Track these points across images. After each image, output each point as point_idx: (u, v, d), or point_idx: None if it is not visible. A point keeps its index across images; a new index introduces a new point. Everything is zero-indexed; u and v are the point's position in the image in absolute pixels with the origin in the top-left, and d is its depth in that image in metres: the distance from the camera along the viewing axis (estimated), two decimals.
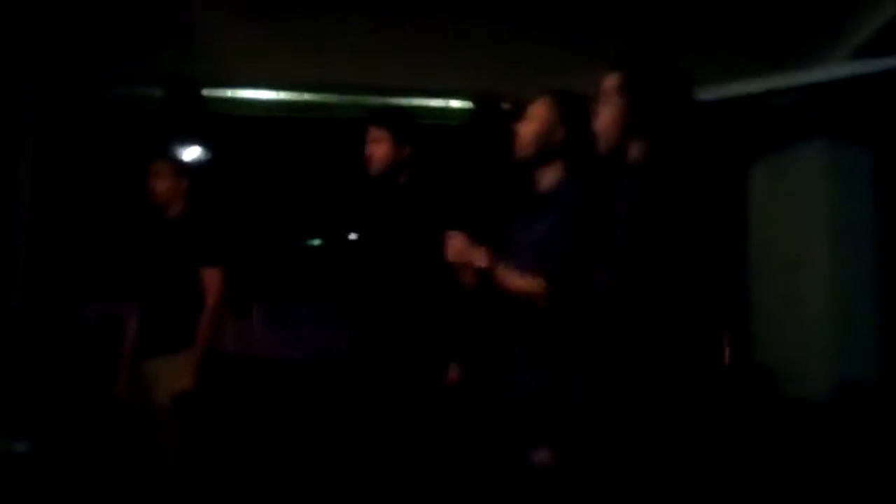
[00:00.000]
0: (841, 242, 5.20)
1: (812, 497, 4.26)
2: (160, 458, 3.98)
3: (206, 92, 5.18)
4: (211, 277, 4.02)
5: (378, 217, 3.93)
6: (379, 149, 3.87)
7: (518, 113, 3.59)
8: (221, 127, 5.10)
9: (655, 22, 4.39)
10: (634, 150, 2.46)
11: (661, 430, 2.25)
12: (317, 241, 5.92)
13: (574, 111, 3.12)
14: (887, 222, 5.16)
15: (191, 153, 5.23)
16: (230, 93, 5.22)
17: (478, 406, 4.00)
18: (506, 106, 5.49)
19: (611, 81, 2.49)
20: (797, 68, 4.93)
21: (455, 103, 5.50)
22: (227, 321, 4.12)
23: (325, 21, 4.29)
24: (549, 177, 3.14)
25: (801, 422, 4.78)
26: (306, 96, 5.33)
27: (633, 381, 2.26)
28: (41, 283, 5.01)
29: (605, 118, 2.50)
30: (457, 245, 3.03)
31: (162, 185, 4.15)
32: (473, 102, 5.46)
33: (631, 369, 2.27)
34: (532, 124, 3.16)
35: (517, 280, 2.96)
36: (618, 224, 2.37)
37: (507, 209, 3.43)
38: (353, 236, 4.12)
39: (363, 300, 3.86)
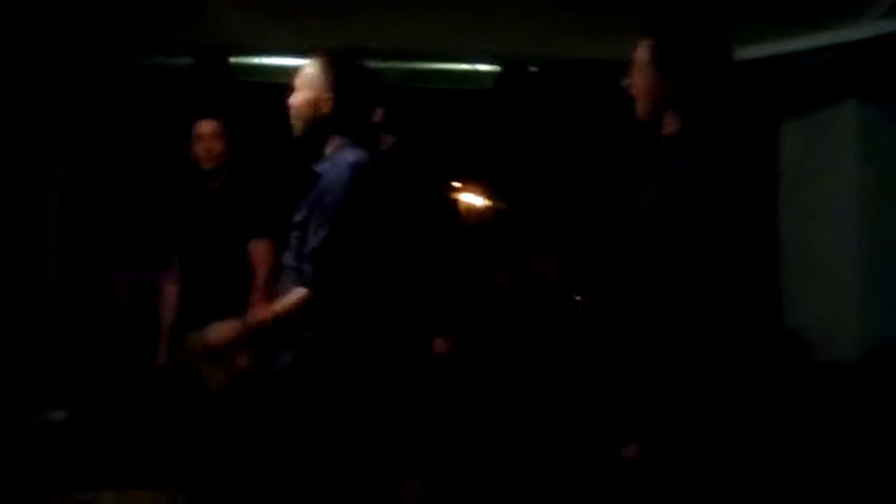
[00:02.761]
0: (871, 204, 5.14)
1: (842, 461, 4.26)
2: (201, 431, 3.92)
3: (233, 60, 5.17)
4: (260, 249, 3.85)
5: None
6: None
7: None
8: (249, 95, 5.09)
9: None
10: (673, 121, 2.39)
11: (731, 410, 2.24)
12: None
13: (345, 74, 2.83)
14: None
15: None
16: (257, 60, 5.22)
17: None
18: (533, 70, 5.47)
19: (642, 50, 2.42)
20: (830, 28, 4.86)
21: (483, 67, 5.47)
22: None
23: None
24: (327, 150, 2.86)
25: (832, 385, 4.77)
26: None
27: (705, 368, 2.22)
28: (74, 252, 5.05)
29: (639, 89, 2.43)
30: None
31: (214, 146, 3.95)
32: (501, 66, 5.44)
33: (702, 355, 2.23)
34: (298, 95, 2.84)
35: (282, 306, 2.79)
36: (669, 202, 2.29)
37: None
38: None
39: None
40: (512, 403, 4.29)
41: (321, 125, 2.81)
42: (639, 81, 2.40)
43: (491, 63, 5.42)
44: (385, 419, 2.94)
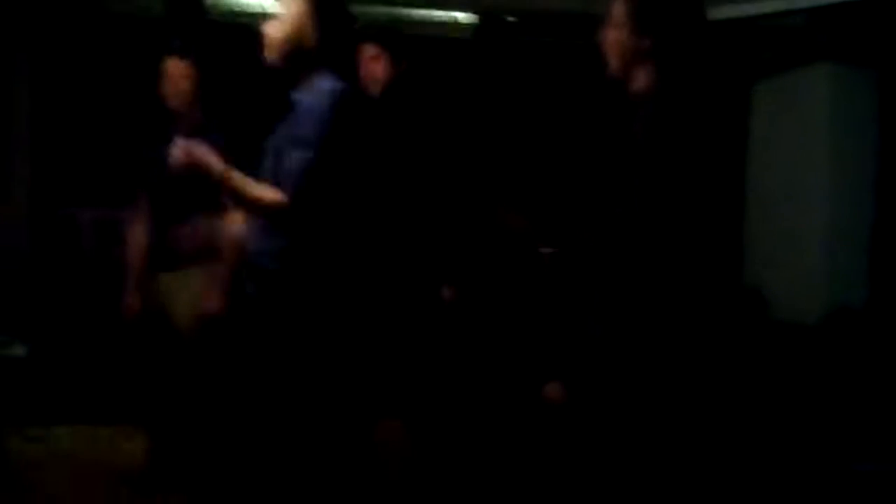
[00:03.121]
0: (840, 167, 5.20)
1: (797, 419, 4.35)
2: (170, 370, 3.85)
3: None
4: None
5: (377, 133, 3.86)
6: (377, 67, 3.79)
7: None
8: (221, 35, 5.01)
9: None
10: (643, 76, 2.42)
11: (676, 361, 2.28)
12: None
13: (328, 9, 2.80)
14: (888, 148, 5.16)
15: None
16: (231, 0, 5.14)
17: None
18: (511, 19, 5.42)
19: (617, 6, 2.44)
20: None
21: (460, 16, 5.42)
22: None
23: None
24: (304, 81, 2.81)
25: (790, 345, 4.85)
26: None
27: (652, 316, 2.27)
28: (39, 189, 4.98)
29: (612, 44, 2.44)
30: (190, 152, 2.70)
31: (182, 85, 3.85)
32: (478, 15, 5.39)
33: (651, 303, 2.27)
34: (279, 26, 2.78)
35: (254, 190, 2.69)
36: (633, 152, 2.33)
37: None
38: None
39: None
40: (483, 353, 4.31)
41: (302, 57, 2.78)
42: (612, 36, 2.43)
43: (470, 12, 5.37)
44: (358, 357, 2.95)
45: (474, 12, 5.36)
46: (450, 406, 3.95)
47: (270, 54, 2.79)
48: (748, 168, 5.56)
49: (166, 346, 3.84)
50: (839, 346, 4.81)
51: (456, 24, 5.37)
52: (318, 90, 2.74)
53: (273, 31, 2.78)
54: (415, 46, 3.97)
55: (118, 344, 4.39)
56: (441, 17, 5.24)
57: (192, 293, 3.77)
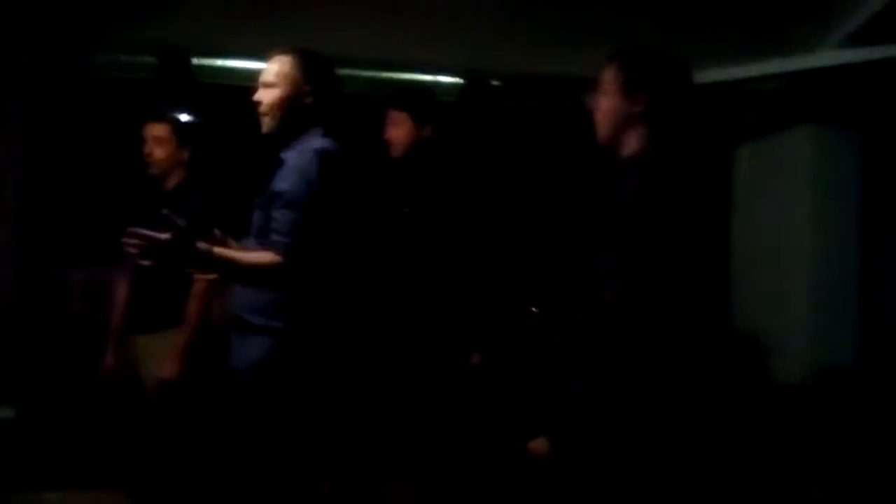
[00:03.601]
0: (824, 229, 5.24)
1: (787, 479, 4.33)
2: (147, 431, 3.91)
3: (196, 61, 5.15)
4: None
5: (400, 198, 3.90)
6: (398, 132, 3.86)
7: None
8: (211, 97, 5.08)
9: (645, 5, 4.40)
10: (633, 141, 2.46)
11: (655, 420, 2.28)
12: None
13: (319, 68, 2.89)
14: (871, 210, 5.21)
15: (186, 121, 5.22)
16: (220, 62, 5.20)
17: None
18: (496, 83, 5.50)
19: (608, 74, 2.50)
20: (787, 55, 4.95)
21: (445, 79, 5.49)
22: (217, 297, 3.84)
23: None
24: (296, 140, 2.87)
25: (779, 405, 4.84)
26: None
27: (631, 374, 2.28)
28: (29, 249, 4.99)
29: (602, 111, 2.51)
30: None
31: (161, 151, 3.94)
32: (464, 79, 5.47)
33: (630, 362, 2.29)
34: (272, 90, 2.85)
35: (245, 257, 2.70)
36: (619, 214, 2.35)
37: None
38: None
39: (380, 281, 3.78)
40: (474, 413, 4.31)
41: (295, 119, 2.85)
42: (602, 103, 2.49)
43: (454, 75, 5.45)
44: (363, 420, 2.95)
45: (460, 76, 5.44)
46: (458, 469, 3.94)
47: (268, 121, 2.86)
48: (732, 230, 5.60)
49: (137, 407, 3.89)
50: (827, 407, 4.80)
51: (441, 87, 5.44)
52: (305, 149, 2.79)
53: (267, 97, 2.85)
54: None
55: (103, 406, 4.40)
56: (426, 80, 5.32)
57: (161, 356, 3.78)
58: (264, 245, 2.74)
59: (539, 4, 4.41)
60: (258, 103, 2.87)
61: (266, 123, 2.87)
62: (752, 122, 5.54)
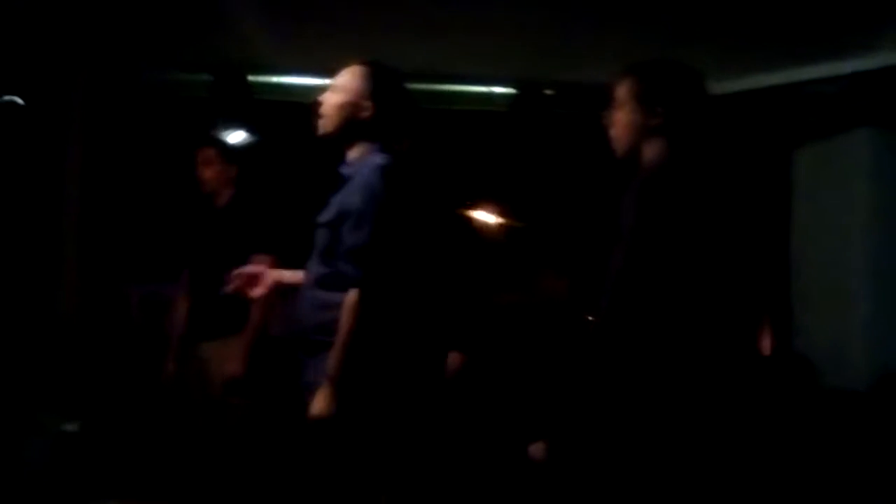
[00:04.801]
0: (885, 231, 5.15)
1: (850, 490, 4.26)
2: (214, 440, 4.08)
3: (251, 78, 5.23)
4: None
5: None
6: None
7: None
8: (267, 113, 5.15)
9: (702, 10, 4.36)
10: (650, 153, 2.46)
11: (677, 425, 2.27)
12: None
13: (386, 85, 2.89)
14: None
15: (237, 139, 5.30)
16: (275, 79, 5.27)
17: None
18: (549, 92, 5.50)
19: (623, 88, 2.50)
20: (845, 57, 4.88)
21: (498, 89, 5.51)
22: (277, 306, 4.11)
23: (369, 7, 4.30)
24: (351, 157, 2.90)
25: (840, 413, 4.77)
26: None
27: (630, 381, 2.28)
28: (89, 266, 5.09)
29: (619, 124, 2.51)
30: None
31: (210, 172, 4.25)
32: (517, 89, 5.47)
33: (630, 368, 2.28)
34: (336, 96, 2.89)
35: (345, 326, 2.72)
36: (633, 224, 2.36)
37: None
38: None
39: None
40: (522, 422, 4.31)
41: (353, 130, 2.86)
42: (620, 117, 2.49)
43: (506, 86, 5.46)
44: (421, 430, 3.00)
45: (512, 86, 5.46)
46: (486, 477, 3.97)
47: (324, 122, 2.88)
48: (792, 234, 5.53)
49: (204, 413, 4.12)
50: (888, 413, 4.72)
51: (493, 97, 5.46)
52: (368, 165, 2.80)
53: (329, 100, 2.88)
54: (453, 120, 4.06)
55: (162, 416, 4.53)
56: (479, 91, 5.34)
57: (227, 357, 4.07)
58: (333, 272, 2.79)
59: (587, 14, 4.39)
60: (320, 104, 2.90)
61: (321, 125, 2.90)
62: (811, 125, 5.47)
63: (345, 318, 2.72)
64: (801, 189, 5.55)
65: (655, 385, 2.26)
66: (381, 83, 2.87)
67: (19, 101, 3.72)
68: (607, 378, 2.32)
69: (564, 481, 2.51)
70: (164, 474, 4.46)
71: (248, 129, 5.08)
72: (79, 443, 4.65)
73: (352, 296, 2.72)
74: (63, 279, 4.93)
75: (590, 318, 5.14)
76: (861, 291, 5.17)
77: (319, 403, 2.74)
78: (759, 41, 4.55)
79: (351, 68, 2.92)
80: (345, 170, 2.88)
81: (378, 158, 2.81)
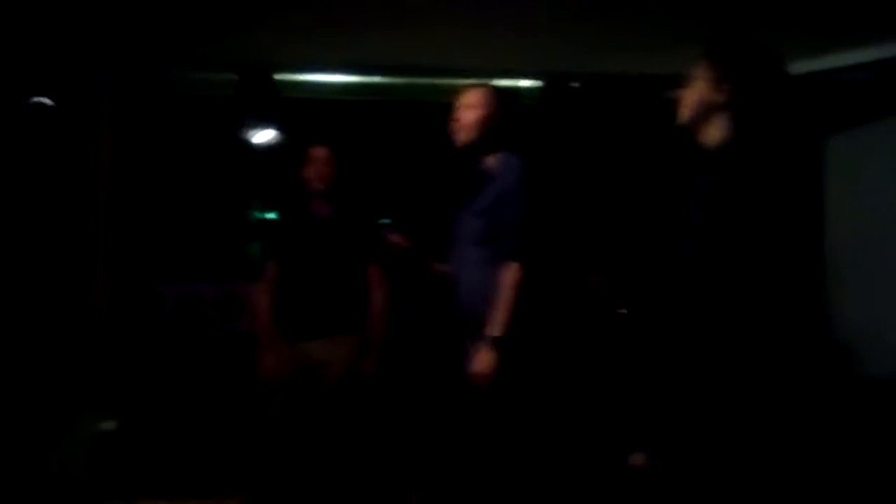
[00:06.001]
0: None
1: (883, 478, 4.20)
2: (322, 435, 4.23)
3: (277, 76, 5.24)
4: (376, 272, 4.35)
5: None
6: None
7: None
8: (294, 111, 5.16)
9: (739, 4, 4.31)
10: (716, 131, 2.43)
11: (749, 420, 2.24)
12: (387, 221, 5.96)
13: (504, 103, 3.56)
14: None
15: (264, 137, 5.32)
16: (301, 77, 5.28)
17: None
18: (575, 85, 5.48)
19: (699, 67, 2.48)
20: (877, 43, 4.82)
21: (524, 83, 5.49)
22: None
23: (394, 3, 4.30)
24: (489, 159, 3.48)
25: (876, 401, 4.71)
26: (376, 79, 5.38)
27: (719, 375, 2.24)
28: (122, 265, 5.12)
29: (688, 98, 2.49)
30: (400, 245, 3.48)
31: (322, 171, 4.33)
32: (543, 81, 5.45)
33: (717, 362, 2.25)
34: (473, 112, 3.50)
35: (505, 299, 3.26)
36: (700, 206, 2.33)
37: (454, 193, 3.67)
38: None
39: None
40: (555, 416, 4.30)
41: (487, 138, 3.48)
42: (688, 94, 2.46)
43: (533, 79, 5.44)
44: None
45: (539, 79, 5.44)
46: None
47: (462, 135, 3.51)
48: (826, 221, 5.47)
49: (307, 410, 4.25)
50: None
51: (522, 91, 5.44)
52: (511, 164, 3.43)
53: (467, 119, 3.51)
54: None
55: (207, 417, 4.59)
56: (507, 85, 5.32)
57: (344, 359, 4.24)
58: (495, 252, 3.31)
59: (613, 5, 4.36)
60: (457, 120, 3.54)
61: (462, 137, 3.52)
62: (844, 113, 5.40)
63: (508, 285, 3.24)
64: (835, 176, 5.49)
65: (746, 381, 2.23)
66: (501, 98, 3.58)
67: (49, 102, 3.80)
68: (700, 376, 2.29)
69: (668, 486, 2.49)
70: (202, 472, 4.51)
71: (276, 126, 5.09)
72: (116, 442, 4.69)
73: (514, 266, 3.26)
74: (96, 279, 4.95)
75: (622, 311, 5.14)
76: (893, 279, 5.10)
77: (482, 361, 3.18)
78: (789, 29, 4.50)
79: (479, 90, 3.57)
80: (486, 167, 3.47)
81: (515, 159, 3.42)
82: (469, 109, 3.52)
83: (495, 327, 3.20)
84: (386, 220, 5.40)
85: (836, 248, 5.38)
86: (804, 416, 2.33)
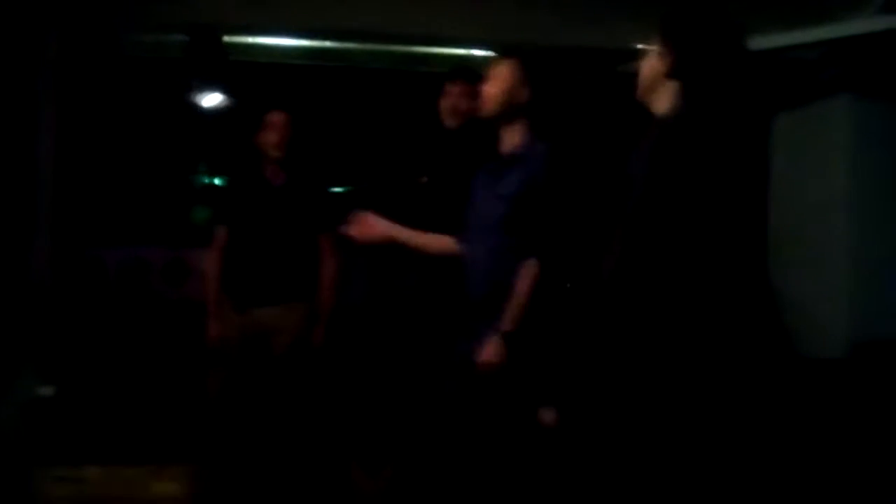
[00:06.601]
0: (863, 199, 5.14)
1: (826, 459, 4.27)
2: (270, 399, 4.21)
3: (227, 39, 5.15)
4: (328, 242, 4.27)
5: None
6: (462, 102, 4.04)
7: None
8: (242, 74, 5.08)
9: None
10: (665, 100, 2.43)
11: (678, 390, 2.25)
12: (340, 189, 5.90)
13: (536, 72, 3.37)
14: None
15: (213, 101, 5.24)
16: (251, 40, 5.20)
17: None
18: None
19: (654, 43, 2.47)
20: (825, 23, 4.85)
21: (478, 53, 5.46)
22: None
23: None
24: (512, 136, 3.34)
25: (818, 381, 4.78)
26: (327, 44, 5.31)
27: (650, 346, 2.25)
28: (64, 229, 5.03)
29: (643, 71, 2.49)
30: (368, 225, 3.34)
31: (277, 137, 4.23)
32: (497, 53, 5.42)
33: (649, 330, 2.25)
34: (496, 84, 3.33)
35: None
36: (641, 173, 2.33)
37: (468, 165, 3.60)
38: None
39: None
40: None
41: (511, 111, 3.31)
42: (645, 65, 2.47)
43: (486, 49, 5.41)
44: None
45: (491, 49, 5.41)
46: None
47: (487, 109, 3.36)
48: (771, 201, 5.52)
49: (254, 379, 4.22)
50: (867, 380, 4.74)
51: (473, 60, 5.41)
52: (538, 152, 3.30)
53: (492, 90, 3.34)
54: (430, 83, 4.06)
55: (148, 383, 4.54)
56: (458, 55, 5.29)
57: (293, 327, 4.21)
58: (515, 242, 3.22)
59: None
60: (483, 92, 3.37)
61: (486, 110, 3.37)
62: (791, 92, 5.45)
63: (526, 280, 3.17)
64: (780, 156, 5.54)
65: (666, 344, 2.23)
66: (530, 71, 3.35)
67: None
68: (617, 337, 2.30)
69: (572, 447, 2.52)
70: (142, 438, 4.46)
71: (225, 90, 5.01)
72: (54, 407, 4.63)
73: (534, 262, 3.17)
74: (36, 242, 4.86)
75: (567, 285, 5.14)
76: (842, 260, 5.17)
77: (491, 351, 3.14)
78: (740, 6, 4.51)
79: (506, 60, 3.37)
80: (507, 151, 3.35)
81: (541, 146, 3.31)
82: (491, 81, 3.37)
83: (508, 322, 3.16)
84: (338, 189, 5.37)
85: (782, 228, 5.44)
86: (741, 390, 2.35)
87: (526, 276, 3.17)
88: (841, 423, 4.47)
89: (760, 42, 4.90)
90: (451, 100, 4.08)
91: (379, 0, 4.59)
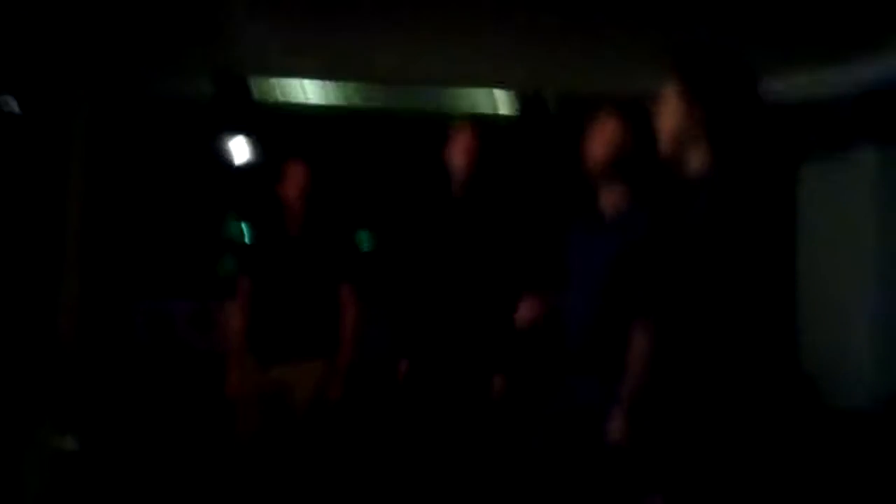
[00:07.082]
0: (890, 251, 5.12)
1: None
2: (284, 454, 4.09)
3: (254, 83, 5.18)
4: (348, 293, 4.17)
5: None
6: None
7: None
8: (266, 121, 5.11)
9: (708, 18, 4.32)
10: (696, 159, 2.37)
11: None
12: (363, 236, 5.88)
13: (645, 128, 2.90)
14: None
15: (239, 149, 5.25)
16: (277, 86, 5.23)
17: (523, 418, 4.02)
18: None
19: (670, 85, 2.35)
20: (852, 73, 4.87)
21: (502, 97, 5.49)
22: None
23: (368, 13, 4.28)
24: (612, 196, 3.06)
25: (844, 432, 4.72)
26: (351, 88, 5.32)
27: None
28: (91, 280, 5.06)
29: (665, 124, 2.38)
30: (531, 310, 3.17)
31: (299, 189, 4.14)
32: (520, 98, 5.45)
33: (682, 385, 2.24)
34: (606, 141, 3.05)
35: (638, 368, 2.91)
36: (684, 238, 2.29)
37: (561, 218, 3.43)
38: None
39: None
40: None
41: (618, 171, 3.03)
42: (665, 116, 2.38)
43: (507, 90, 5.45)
44: None
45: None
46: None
47: (595, 169, 3.04)
48: (797, 251, 5.50)
49: (281, 425, 4.09)
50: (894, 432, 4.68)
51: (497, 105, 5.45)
52: (639, 214, 2.98)
53: (598, 153, 3.02)
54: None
55: (174, 438, 4.49)
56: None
57: (311, 385, 4.10)
58: (616, 304, 2.96)
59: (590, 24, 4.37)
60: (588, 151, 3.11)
61: (594, 171, 3.07)
62: (817, 141, 5.45)
63: (640, 349, 2.89)
64: (807, 205, 5.53)
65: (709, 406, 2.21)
66: (636, 125, 3.02)
67: (13, 101, 3.69)
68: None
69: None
70: (167, 492, 4.45)
71: (252, 136, 5.02)
72: (78, 461, 4.62)
73: (642, 335, 2.88)
74: (64, 294, 4.89)
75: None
76: (867, 310, 5.13)
77: (616, 429, 2.90)
78: (765, 54, 4.54)
79: (606, 116, 3.07)
80: (607, 208, 3.07)
81: (644, 216, 2.97)
82: (597, 143, 3.09)
83: (626, 395, 2.92)
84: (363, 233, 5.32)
85: (808, 277, 5.41)
86: (763, 440, 2.31)
87: (640, 340, 2.91)
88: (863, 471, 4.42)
89: (789, 91, 4.92)
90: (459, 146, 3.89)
91: (409, 42, 4.59)
